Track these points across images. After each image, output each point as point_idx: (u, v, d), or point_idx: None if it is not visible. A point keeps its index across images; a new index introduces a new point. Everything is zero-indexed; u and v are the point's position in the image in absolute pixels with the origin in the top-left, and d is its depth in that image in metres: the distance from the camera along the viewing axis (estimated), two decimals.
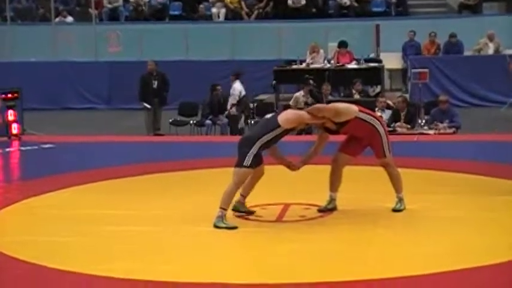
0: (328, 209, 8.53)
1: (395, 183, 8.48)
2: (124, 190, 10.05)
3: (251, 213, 8.43)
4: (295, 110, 8.39)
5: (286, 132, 8.11)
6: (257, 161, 8.03)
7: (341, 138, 8.67)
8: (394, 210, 8.43)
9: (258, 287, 6.34)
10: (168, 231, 7.98)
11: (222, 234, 7.79)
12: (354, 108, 8.32)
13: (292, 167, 8.45)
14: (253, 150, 7.92)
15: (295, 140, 12.15)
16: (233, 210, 8.35)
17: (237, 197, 8.25)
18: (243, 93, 16.56)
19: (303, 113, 8.17)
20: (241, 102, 16.39)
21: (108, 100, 21.00)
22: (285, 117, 8.05)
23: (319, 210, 8.55)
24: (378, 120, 8.42)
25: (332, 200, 8.58)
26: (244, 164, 7.92)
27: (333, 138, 8.60)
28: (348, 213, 8.49)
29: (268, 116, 8.27)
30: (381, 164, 8.49)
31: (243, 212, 8.40)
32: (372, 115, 8.42)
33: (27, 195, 9.68)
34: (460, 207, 8.72)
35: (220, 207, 7.95)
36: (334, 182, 8.55)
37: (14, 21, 23.52)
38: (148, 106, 16.48)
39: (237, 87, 16.58)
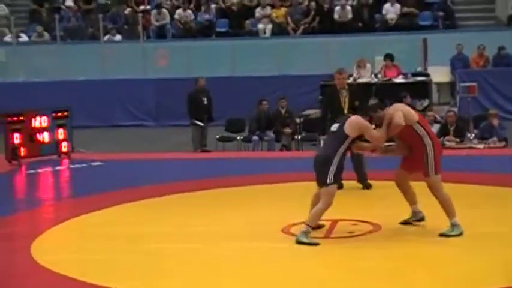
0: (409, 222, 8.47)
1: (444, 207, 8.14)
2: (172, 207, 10.10)
3: (321, 226, 8.47)
4: (359, 118, 8.23)
5: (353, 140, 8.16)
6: (339, 177, 8.13)
7: None
8: (442, 234, 8.08)
9: None
10: (215, 248, 7.98)
11: (269, 251, 7.79)
12: (415, 116, 8.20)
13: (376, 150, 8.49)
14: (333, 167, 8.02)
15: None
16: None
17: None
18: None
19: (367, 126, 8.13)
20: None
21: (155, 117, 21.15)
22: (350, 126, 8.09)
23: (401, 223, 8.49)
24: (431, 138, 8.15)
25: (414, 213, 8.48)
26: (328, 182, 8.01)
27: None
28: (396, 230, 8.40)
29: (334, 129, 8.23)
30: (427, 184, 8.22)
31: (316, 228, 8.39)
32: (426, 130, 8.19)
33: (76, 213, 9.78)
34: (507, 223, 8.58)
35: (307, 224, 8.01)
36: (406, 197, 8.49)
37: (64, 40, 23.85)
38: (201, 123, 16.40)
39: None
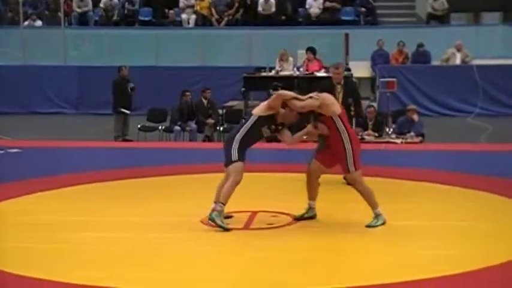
0: (305, 218, 8.53)
1: (367, 199, 8.34)
2: (92, 196, 10.03)
3: (229, 217, 8.50)
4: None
5: (262, 123, 8.17)
6: (243, 155, 8.15)
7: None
8: (368, 226, 8.26)
9: None
10: (137, 238, 7.96)
11: (189, 242, 7.81)
12: (338, 108, 8.27)
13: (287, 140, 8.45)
14: (235, 145, 8.09)
15: (264, 147, 12.18)
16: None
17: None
18: None
19: (278, 95, 8.14)
20: None
21: (76, 105, 20.91)
22: (258, 107, 8.25)
23: (296, 219, 8.54)
24: (349, 135, 8.22)
25: (310, 208, 8.57)
26: (232, 159, 8.08)
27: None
28: (314, 222, 8.51)
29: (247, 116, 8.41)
30: (349, 180, 8.45)
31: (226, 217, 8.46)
32: (346, 127, 8.22)
33: None
34: (423, 217, 8.81)
35: (220, 202, 8.07)
36: (309, 190, 8.55)
37: None
38: (127, 111, 16.31)
39: None
